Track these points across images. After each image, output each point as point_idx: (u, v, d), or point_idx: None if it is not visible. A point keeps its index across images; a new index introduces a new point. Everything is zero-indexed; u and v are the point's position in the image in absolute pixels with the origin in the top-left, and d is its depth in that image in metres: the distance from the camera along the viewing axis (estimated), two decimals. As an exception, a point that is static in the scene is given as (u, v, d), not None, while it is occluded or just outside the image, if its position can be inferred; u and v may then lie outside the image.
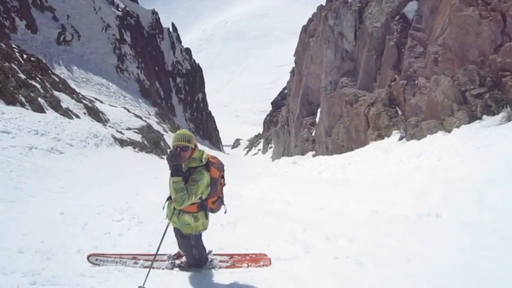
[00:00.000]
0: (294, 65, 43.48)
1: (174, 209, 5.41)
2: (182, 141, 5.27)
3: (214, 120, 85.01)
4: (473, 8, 14.86)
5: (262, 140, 76.78)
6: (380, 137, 19.56)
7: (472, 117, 13.87)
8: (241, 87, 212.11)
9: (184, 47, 77.87)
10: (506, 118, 12.66)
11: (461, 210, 8.02)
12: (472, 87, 14.34)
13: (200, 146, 5.74)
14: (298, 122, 35.96)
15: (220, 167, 5.79)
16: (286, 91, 58.75)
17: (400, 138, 17.76)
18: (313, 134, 32.24)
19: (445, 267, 5.55)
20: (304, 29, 38.93)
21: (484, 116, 13.48)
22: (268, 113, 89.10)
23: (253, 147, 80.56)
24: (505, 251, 5.76)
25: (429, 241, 6.73)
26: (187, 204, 5.23)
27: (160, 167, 20.48)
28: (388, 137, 18.89)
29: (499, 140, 11.26)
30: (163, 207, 5.74)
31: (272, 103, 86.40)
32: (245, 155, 78.17)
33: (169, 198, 5.54)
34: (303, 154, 31.77)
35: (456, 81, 14.93)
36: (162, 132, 38.51)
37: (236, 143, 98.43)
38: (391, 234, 7.46)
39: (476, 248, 6.04)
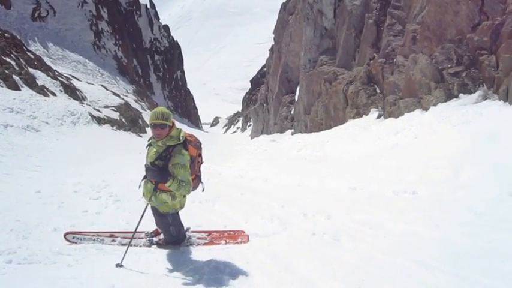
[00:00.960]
0: (273, 42, 43.22)
1: (154, 190, 5.39)
2: (160, 119, 5.21)
3: (193, 98, 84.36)
4: (451, -14, 14.90)
5: (241, 118, 76.62)
6: (358, 115, 19.65)
7: (449, 96, 14.02)
8: (220, 65, 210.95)
9: (163, 24, 76.73)
10: (482, 96, 12.82)
11: (437, 187, 8.15)
12: (449, 65, 14.47)
13: (179, 124, 5.69)
14: (277, 100, 35.91)
15: (198, 145, 5.76)
16: (265, 69, 58.44)
17: (378, 116, 17.87)
18: (292, 112, 32.25)
19: (421, 242, 5.63)
20: (284, 6, 38.62)
21: (461, 95, 13.63)
22: (247, 91, 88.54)
23: (232, 125, 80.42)
24: (479, 226, 5.88)
25: (405, 217, 6.83)
26: (192, 186, 5.41)
27: (137, 145, 20.33)
28: (366, 115, 18.98)
29: (475, 118, 11.42)
30: (140, 186, 5.70)
31: (251, 81, 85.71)
32: (224, 133, 78.04)
33: (146, 177, 5.52)
34: (281, 132, 31.80)
35: (434, 59, 15.03)
36: (140, 110, 38.06)
37: (215, 121, 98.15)
38: (368, 210, 7.55)
39: (451, 224, 6.16)
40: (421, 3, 17.32)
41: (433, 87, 14.70)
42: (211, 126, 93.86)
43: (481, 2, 13.87)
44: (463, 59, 14.11)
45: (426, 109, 14.55)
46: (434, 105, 14.23)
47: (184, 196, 5.67)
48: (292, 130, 29.84)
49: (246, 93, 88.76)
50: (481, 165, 8.26)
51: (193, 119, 78.49)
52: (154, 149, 5.37)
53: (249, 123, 61.05)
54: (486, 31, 13.33)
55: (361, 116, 19.30)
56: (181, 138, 5.35)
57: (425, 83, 15.04)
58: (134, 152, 17.53)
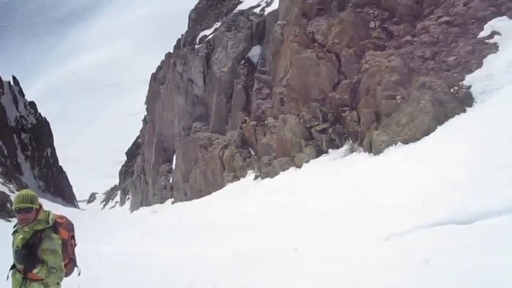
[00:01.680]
0: (146, 113, 43.08)
1: (23, 279, 4.93)
2: (24, 202, 4.81)
3: (66, 175, 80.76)
4: (310, 50, 15.92)
5: (119, 192, 74.55)
6: (236, 178, 19.86)
7: (319, 152, 14.66)
8: (93, 139, 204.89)
9: (29, 100, 73.64)
10: (349, 150, 13.58)
11: (317, 241, 8.35)
12: (316, 123, 15.23)
13: (52, 205, 5.34)
14: (155, 170, 35.47)
15: (70, 226, 5.39)
16: (140, 140, 57.88)
17: (255, 178, 18.16)
18: (170, 181, 31.93)
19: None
20: (154, 76, 38.85)
21: (330, 150, 14.33)
22: (123, 163, 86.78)
23: (110, 200, 77.90)
24: (360, 274, 6.07)
25: (290, 275, 6.87)
26: (64, 272, 4.94)
27: (5, 231, 18.81)
28: (244, 177, 19.24)
29: (345, 171, 12.02)
30: (7, 278, 5.19)
31: (126, 153, 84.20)
32: (102, 208, 75.29)
33: (14, 266, 5.04)
34: (162, 202, 31.26)
35: (302, 118, 15.75)
36: (8, 193, 35.42)
37: (92, 198, 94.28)
38: (254, 273, 7.51)
39: (334, 276, 6.29)
40: (284, 67, 18.26)
41: (303, 145, 15.31)
42: (88, 203, 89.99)
43: (338, 63, 14.93)
44: (328, 116, 14.94)
45: (299, 166, 15.06)
46: (307, 162, 14.78)
47: (58, 283, 5.25)
48: (173, 199, 29.46)
49: (122, 166, 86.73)
50: (355, 216, 8.62)
51: (68, 198, 74.75)
52: (21, 236, 4.91)
53: (127, 196, 59.45)
54: (345, 89, 14.30)
55: (239, 179, 19.51)
56: (50, 221, 4.97)
57: (296, 141, 15.64)
58: (0, 239, 16.17)
